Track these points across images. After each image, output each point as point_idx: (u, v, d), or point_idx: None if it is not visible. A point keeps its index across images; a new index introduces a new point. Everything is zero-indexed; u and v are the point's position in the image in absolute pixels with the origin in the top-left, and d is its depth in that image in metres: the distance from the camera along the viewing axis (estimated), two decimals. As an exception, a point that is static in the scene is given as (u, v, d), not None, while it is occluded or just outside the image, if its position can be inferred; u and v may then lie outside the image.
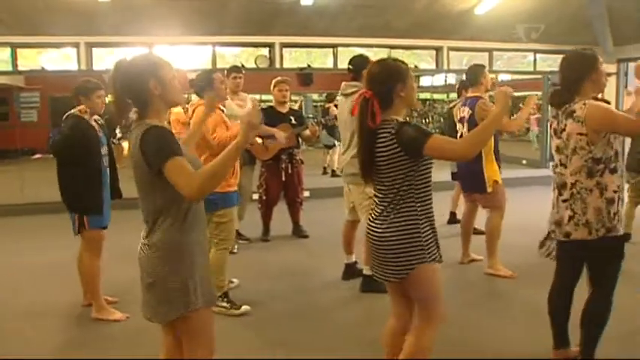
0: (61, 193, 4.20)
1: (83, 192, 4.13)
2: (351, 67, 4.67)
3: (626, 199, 5.29)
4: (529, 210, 6.90)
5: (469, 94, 5.28)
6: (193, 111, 4.35)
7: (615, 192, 3.02)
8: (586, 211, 3.01)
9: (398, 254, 2.56)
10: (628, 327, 3.79)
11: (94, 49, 12.82)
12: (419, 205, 2.58)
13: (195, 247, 2.35)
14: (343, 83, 4.73)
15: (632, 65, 11.16)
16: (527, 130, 14.91)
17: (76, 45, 12.55)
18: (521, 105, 5.43)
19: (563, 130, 3.07)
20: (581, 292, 3.22)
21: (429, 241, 2.59)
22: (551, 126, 3.22)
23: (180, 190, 2.14)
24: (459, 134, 5.30)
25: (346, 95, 4.60)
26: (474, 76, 5.26)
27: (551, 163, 3.23)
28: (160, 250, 2.28)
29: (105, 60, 12.87)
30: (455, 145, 2.56)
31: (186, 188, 2.12)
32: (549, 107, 3.25)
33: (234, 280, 4.79)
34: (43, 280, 5.20)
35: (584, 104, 2.97)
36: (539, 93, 12.49)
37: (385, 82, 2.62)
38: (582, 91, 3.05)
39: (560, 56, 3.24)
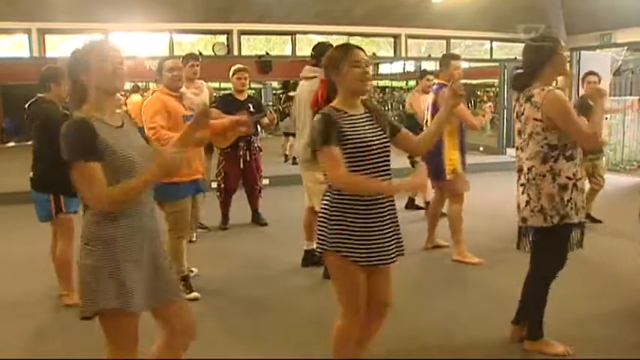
0: (38, 172, 4.08)
1: (63, 171, 4.01)
2: (313, 52, 4.72)
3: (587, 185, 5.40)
4: (486, 196, 7.06)
5: (438, 80, 5.35)
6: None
7: (570, 179, 3.02)
8: (540, 197, 3.03)
9: None
10: (578, 314, 3.87)
11: (47, 36, 12.44)
12: None
13: (124, 243, 2.18)
14: (306, 67, 4.76)
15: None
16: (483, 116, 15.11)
17: (28, 31, 12.14)
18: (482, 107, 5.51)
19: (523, 113, 3.08)
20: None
21: None
22: (514, 109, 3.23)
23: (85, 199, 2.16)
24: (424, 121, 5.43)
25: (307, 79, 4.65)
26: (445, 63, 5.29)
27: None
28: (83, 242, 2.19)
29: (58, 47, 12.52)
30: None
31: (91, 201, 2.14)
32: (506, 93, 3.29)
33: (194, 269, 4.77)
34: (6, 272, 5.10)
35: (543, 90, 2.97)
36: (496, 80, 12.73)
37: None
38: (542, 75, 3.06)
39: (516, 44, 3.30)
